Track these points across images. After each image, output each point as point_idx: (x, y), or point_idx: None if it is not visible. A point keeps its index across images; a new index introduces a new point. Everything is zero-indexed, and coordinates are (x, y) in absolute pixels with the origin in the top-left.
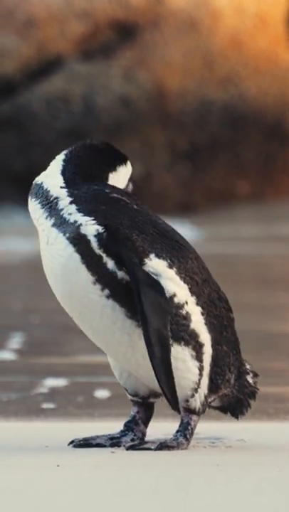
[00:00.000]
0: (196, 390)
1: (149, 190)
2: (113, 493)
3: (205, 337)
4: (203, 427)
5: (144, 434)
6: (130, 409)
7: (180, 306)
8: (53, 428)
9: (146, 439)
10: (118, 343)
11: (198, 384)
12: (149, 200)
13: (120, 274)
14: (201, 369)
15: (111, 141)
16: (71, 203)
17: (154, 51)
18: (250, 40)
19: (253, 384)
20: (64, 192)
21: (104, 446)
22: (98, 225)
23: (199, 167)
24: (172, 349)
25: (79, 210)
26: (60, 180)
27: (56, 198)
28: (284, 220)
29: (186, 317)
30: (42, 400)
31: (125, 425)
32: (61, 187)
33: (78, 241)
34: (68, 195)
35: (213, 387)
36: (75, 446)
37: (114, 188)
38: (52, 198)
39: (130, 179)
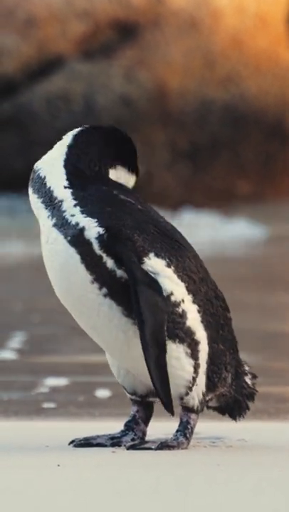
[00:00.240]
0: (190, 388)
1: (150, 190)
2: (113, 493)
3: (201, 334)
4: (204, 427)
5: (144, 434)
6: (130, 408)
7: (177, 304)
8: (54, 427)
9: (147, 438)
10: (114, 340)
11: (193, 382)
12: (150, 199)
13: (119, 272)
14: (196, 367)
15: None
16: (76, 205)
17: (155, 51)
18: (250, 40)
19: (251, 385)
20: (69, 194)
21: (105, 445)
22: (100, 226)
23: (200, 167)
24: (167, 347)
25: (83, 212)
26: (63, 178)
27: (61, 200)
28: (284, 220)
29: (182, 315)
30: (43, 399)
31: (126, 425)
32: (65, 187)
33: (80, 243)
34: (73, 198)
35: (210, 385)
36: (75, 446)
37: (121, 189)
38: (56, 201)
39: (134, 161)
